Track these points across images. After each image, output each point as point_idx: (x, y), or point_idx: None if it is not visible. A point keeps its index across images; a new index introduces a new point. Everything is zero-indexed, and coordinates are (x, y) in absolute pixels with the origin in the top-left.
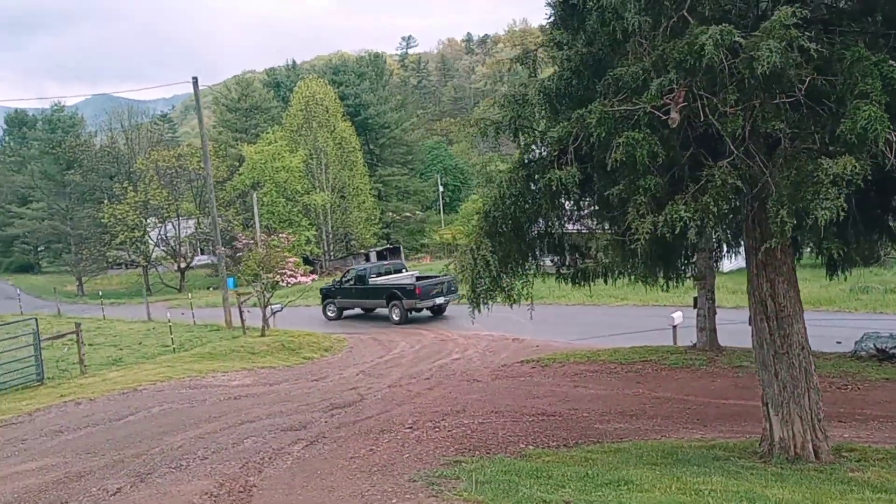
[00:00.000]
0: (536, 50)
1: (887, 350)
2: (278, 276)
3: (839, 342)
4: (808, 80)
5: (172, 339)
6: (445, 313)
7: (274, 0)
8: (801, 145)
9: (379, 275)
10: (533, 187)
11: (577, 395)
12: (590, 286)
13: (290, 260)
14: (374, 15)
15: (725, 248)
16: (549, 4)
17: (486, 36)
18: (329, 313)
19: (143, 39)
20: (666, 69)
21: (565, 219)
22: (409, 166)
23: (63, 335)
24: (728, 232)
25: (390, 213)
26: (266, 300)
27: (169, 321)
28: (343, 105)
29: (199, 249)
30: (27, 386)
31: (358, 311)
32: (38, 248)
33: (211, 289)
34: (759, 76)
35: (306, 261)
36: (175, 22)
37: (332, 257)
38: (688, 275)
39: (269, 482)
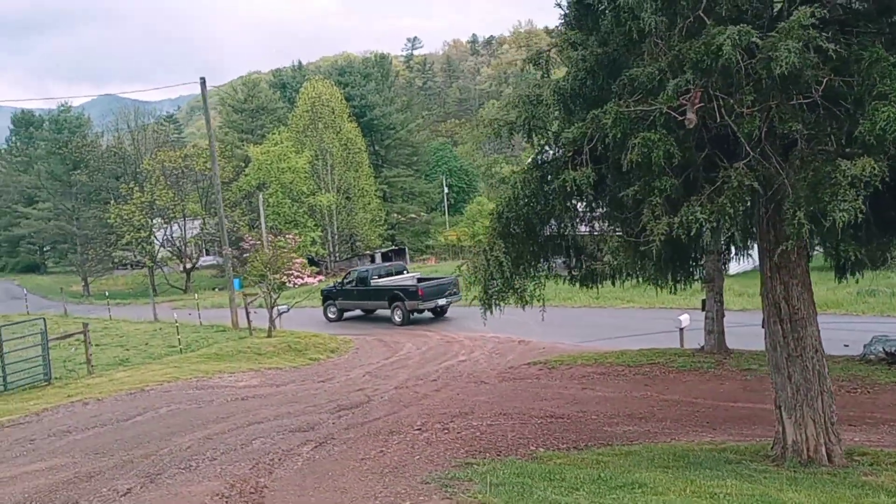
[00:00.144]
0: (549, 50)
1: None
2: (285, 277)
3: (846, 345)
4: (825, 80)
5: (179, 339)
6: (447, 314)
7: (277, 0)
8: (818, 147)
9: (380, 276)
10: (546, 188)
11: (584, 398)
12: (597, 288)
13: (297, 261)
14: (377, 16)
15: (734, 251)
16: (557, 4)
17: (492, 37)
18: (330, 315)
19: (149, 40)
20: (682, 69)
21: (577, 220)
22: (415, 167)
23: (70, 335)
24: (737, 234)
25: (395, 215)
26: (273, 301)
27: (176, 322)
28: (349, 106)
29: (204, 250)
30: (35, 386)
31: (358, 312)
32: (44, 249)
33: (216, 289)
34: (776, 77)
35: (311, 262)
36: (180, 23)
37: (338, 258)
38: (696, 277)
39: (280, 483)
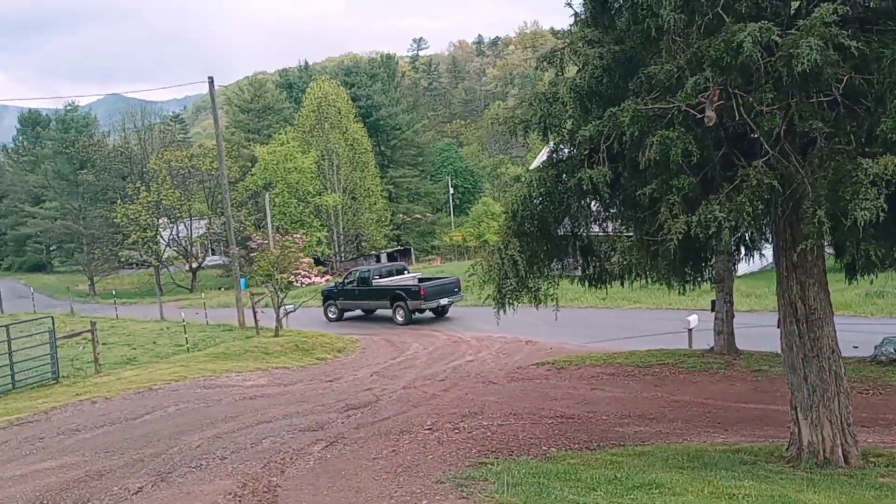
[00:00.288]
0: (564, 48)
1: None
2: (292, 277)
3: (856, 347)
4: (845, 78)
5: (186, 338)
6: (450, 314)
7: (283, 1)
8: (838, 145)
9: (381, 276)
10: (561, 187)
11: (594, 398)
12: (605, 289)
13: (304, 261)
14: (382, 16)
15: (743, 251)
16: (568, 4)
17: (497, 38)
18: (330, 314)
19: (155, 40)
20: (701, 67)
21: (591, 219)
22: (420, 168)
23: (78, 334)
24: (751, 233)
25: (401, 215)
26: (280, 300)
27: (183, 321)
28: (355, 106)
29: (210, 250)
30: (43, 384)
31: (358, 312)
32: (51, 248)
33: (222, 289)
34: (796, 75)
35: (317, 261)
36: (185, 23)
37: (343, 258)
38: (706, 277)
39: (293, 482)
